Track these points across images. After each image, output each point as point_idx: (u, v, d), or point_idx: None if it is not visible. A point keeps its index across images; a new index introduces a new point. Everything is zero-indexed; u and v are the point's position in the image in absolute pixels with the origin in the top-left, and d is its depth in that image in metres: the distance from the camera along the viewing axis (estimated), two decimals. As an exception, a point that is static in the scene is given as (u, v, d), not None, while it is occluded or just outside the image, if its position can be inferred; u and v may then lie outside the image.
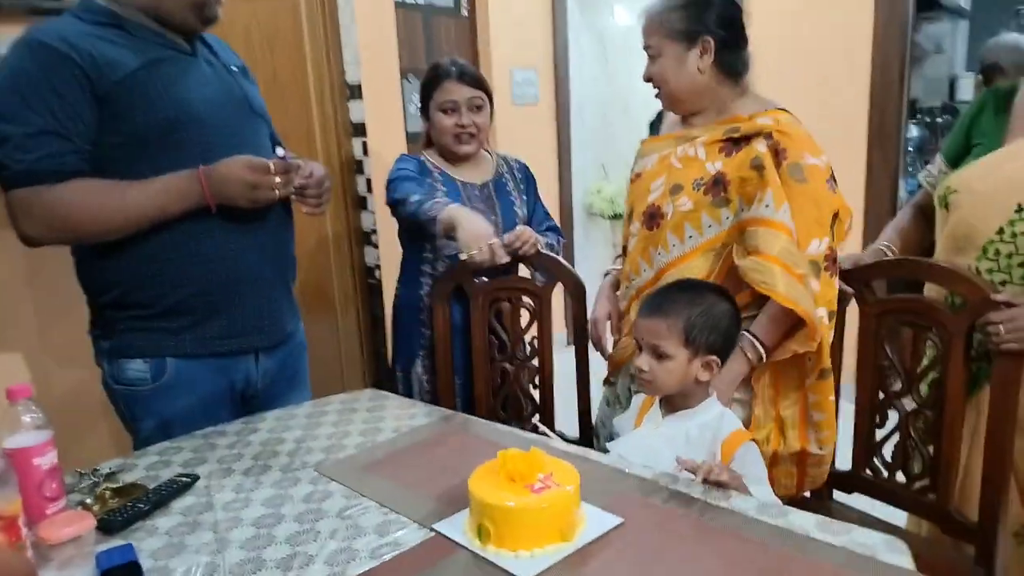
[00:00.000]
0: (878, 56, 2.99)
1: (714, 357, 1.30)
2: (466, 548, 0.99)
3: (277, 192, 1.34)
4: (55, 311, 1.85)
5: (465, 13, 3.62)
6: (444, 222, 1.69)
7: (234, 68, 1.51)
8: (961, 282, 1.38)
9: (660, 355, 1.28)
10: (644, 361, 1.30)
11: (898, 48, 2.97)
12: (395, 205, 1.84)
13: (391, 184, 1.87)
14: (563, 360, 1.90)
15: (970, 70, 4.83)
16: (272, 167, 1.32)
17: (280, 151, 1.39)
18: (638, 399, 1.44)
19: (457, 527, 1.03)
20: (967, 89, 4.55)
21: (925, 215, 1.62)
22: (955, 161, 1.54)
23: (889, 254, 1.58)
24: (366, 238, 2.80)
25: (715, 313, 1.31)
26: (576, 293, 1.81)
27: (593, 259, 4.51)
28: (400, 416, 1.47)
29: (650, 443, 1.30)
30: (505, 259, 1.69)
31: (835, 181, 1.45)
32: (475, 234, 1.64)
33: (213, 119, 1.38)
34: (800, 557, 0.94)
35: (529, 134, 3.90)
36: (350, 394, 1.61)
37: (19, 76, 1.25)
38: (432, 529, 1.04)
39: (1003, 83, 1.53)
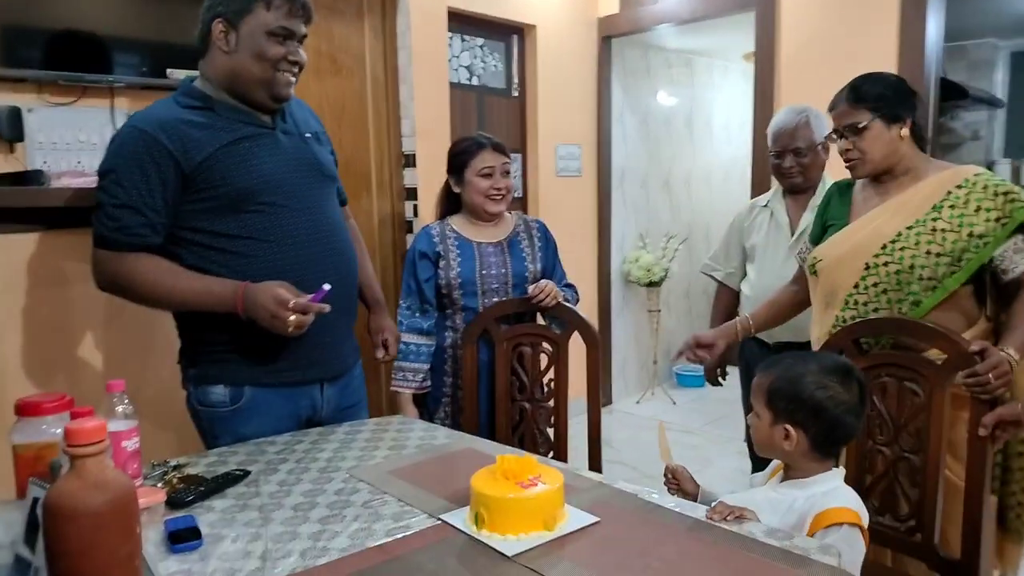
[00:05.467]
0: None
1: (792, 429, 1.33)
2: (464, 532, 1.18)
3: (289, 329, 1.49)
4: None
5: (516, 93, 3.97)
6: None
7: (308, 135, 1.74)
8: (941, 339, 1.56)
9: (755, 412, 1.40)
10: (751, 416, 1.42)
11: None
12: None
13: (406, 266, 2.18)
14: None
15: (1007, 156, 4.95)
16: (292, 305, 1.48)
17: (326, 286, 1.51)
18: (776, 460, 1.48)
19: (459, 517, 1.23)
20: (1003, 174, 4.67)
21: (799, 283, 1.97)
22: (817, 240, 1.89)
23: (748, 323, 1.99)
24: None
25: (803, 383, 1.34)
26: (591, 342, 2.01)
27: (630, 324, 4.69)
28: (424, 436, 1.68)
29: (756, 503, 1.32)
30: None
31: None
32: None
33: (285, 185, 1.62)
34: (743, 553, 1.10)
35: (571, 204, 4.17)
36: (383, 418, 1.83)
37: (118, 156, 1.53)
38: (439, 518, 1.24)
39: (842, 179, 1.91)
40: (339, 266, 1.69)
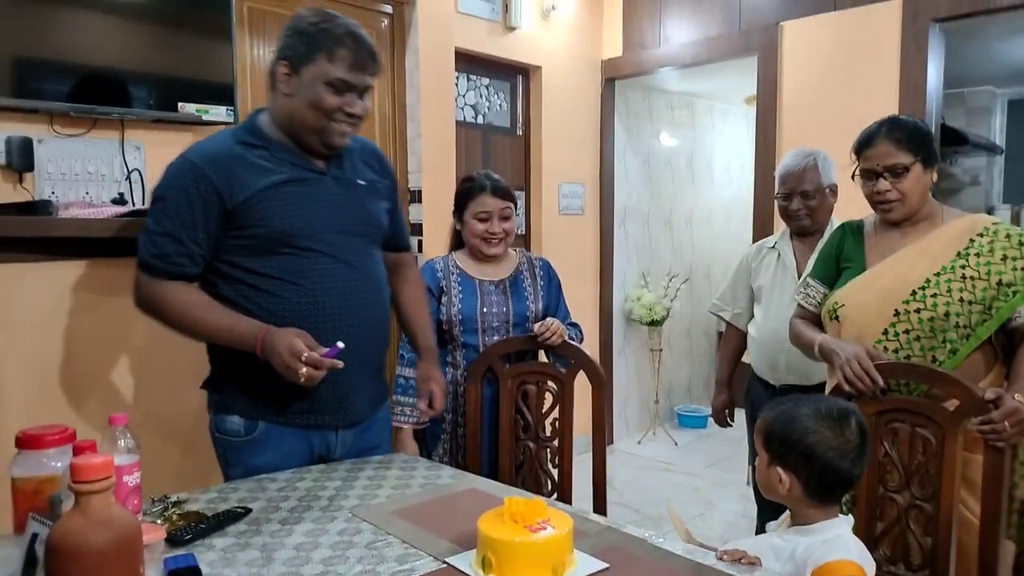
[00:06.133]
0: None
1: (783, 472, 1.32)
2: (471, 577, 1.16)
3: (301, 380, 1.48)
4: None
5: (520, 132, 4.01)
6: None
7: (362, 183, 1.71)
8: (953, 385, 1.55)
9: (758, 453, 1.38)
10: (757, 457, 1.40)
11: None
12: None
13: None
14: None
15: (1007, 201, 4.99)
16: (305, 358, 1.47)
17: (340, 344, 1.51)
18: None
19: (465, 561, 1.20)
20: (1003, 220, 4.69)
21: (816, 322, 1.91)
22: (829, 282, 1.86)
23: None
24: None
25: (795, 427, 1.32)
26: (596, 381, 2.00)
27: (632, 363, 4.67)
28: (428, 476, 1.65)
29: (760, 548, 1.31)
30: None
31: None
32: None
33: (323, 232, 1.60)
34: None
35: (574, 242, 4.18)
36: (386, 456, 1.80)
37: (168, 186, 1.56)
38: (444, 561, 1.21)
39: (852, 221, 1.90)
40: (367, 318, 1.67)
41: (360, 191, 1.71)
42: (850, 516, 1.37)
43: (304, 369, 1.47)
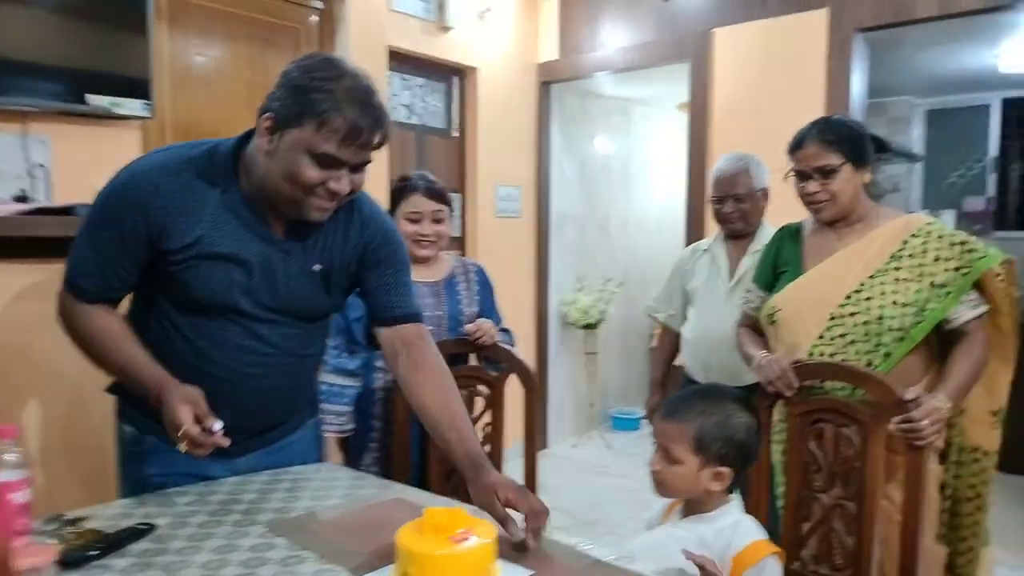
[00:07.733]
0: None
1: (725, 469, 1.34)
2: (390, 593, 1.10)
3: (181, 448, 1.32)
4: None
5: (455, 134, 3.96)
6: None
7: (315, 268, 1.49)
8: (874, 384, 1.57)
9: (671, 459, 1.35)
10: (656, 460, 1.38)
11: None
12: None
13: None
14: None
15: (925, 207, 5.20)
16: (181, 434, 1.31)
17: (217, 424, 1.33)
18: (665, 498, 1.48)
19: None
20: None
21: (757, 332, 1.93)
22: (768, 286, 1.87)
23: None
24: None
25: (731, 424, 1.36)
26: (529, 385, 1.96)
27: (567, 367, 4.67)
28: (352, 486, 1.58)
29: (663, 542, 1.32)
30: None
31: None
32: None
33: (240, 306, 1.45)
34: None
35: (510, 245, 4.15)
36: (308, 466, 1.72)
37: (106, 201, 1.40)
38: (362, 578, 1.15)
39: (790, 223, 1.92)
40: (265, 391, 1.54)
41: (307, 276, 1.49)
42: (738, 495, 1.42)
43: (182, 445, 1.32)
